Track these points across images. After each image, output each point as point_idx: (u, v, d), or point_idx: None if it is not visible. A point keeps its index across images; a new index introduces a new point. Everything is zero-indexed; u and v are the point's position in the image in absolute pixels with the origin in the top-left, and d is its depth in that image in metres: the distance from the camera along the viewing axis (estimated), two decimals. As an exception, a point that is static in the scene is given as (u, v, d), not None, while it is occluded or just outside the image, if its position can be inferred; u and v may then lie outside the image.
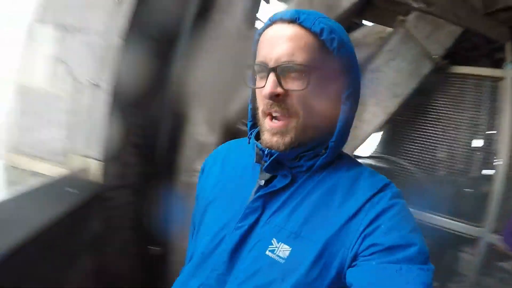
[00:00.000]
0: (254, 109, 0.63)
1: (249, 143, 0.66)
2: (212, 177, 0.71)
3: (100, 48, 1.37)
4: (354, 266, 0.49)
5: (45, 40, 1.39)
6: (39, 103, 1.38)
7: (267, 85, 0.53)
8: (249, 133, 0.67)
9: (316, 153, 0.58)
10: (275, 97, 0.53)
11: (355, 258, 0.50)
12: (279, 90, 0.53)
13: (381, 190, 0.55)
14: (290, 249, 0.52)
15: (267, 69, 0.54)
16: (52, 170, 1.34)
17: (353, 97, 0.57)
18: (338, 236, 0.51)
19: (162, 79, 1.61)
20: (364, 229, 0.51)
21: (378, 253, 0.48)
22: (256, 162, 0.61)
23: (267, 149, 0.57)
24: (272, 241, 0.54)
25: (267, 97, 0.54)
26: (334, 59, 0.54)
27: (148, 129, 1.61)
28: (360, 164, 0.62)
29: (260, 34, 0.59)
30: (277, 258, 0.53)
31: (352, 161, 0.62)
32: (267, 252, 0.54)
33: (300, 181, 0.58)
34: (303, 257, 0.51)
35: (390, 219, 0.51)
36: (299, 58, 0.52)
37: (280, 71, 0.53)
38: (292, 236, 0.53)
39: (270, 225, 0.56)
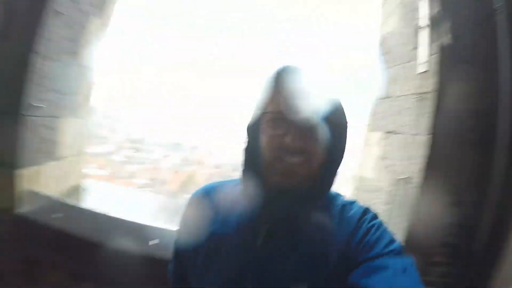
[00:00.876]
0: None
1: None
2: (206, 222, 0.70)
3: (410, 145, 1.51)
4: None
5: (374, 142, 1.79)
6: (369, 193, 1.77)
7: None
8: None
9: None
10: None
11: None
12: None
13: None
14: None
15: None
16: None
17: None
18: None
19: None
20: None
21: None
22: None
23: None
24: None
25: None
26: None
27: (464, 229, 1.41)
28: None
29: None
30: None
31: None
32: None
33: None
34: None
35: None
36: None
37: None
38: None
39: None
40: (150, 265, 1.01)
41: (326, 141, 0.60)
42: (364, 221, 0.63)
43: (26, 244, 1.28)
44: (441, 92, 1.42)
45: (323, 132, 0.59)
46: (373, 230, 0.61)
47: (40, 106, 1.27)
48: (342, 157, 0.66)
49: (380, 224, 0.63)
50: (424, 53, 1.51)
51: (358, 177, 1.89)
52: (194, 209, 0.74)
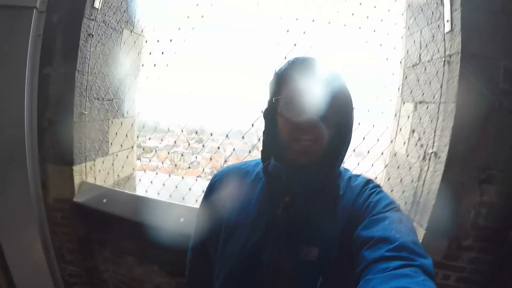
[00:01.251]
0: None
1: None
2: (228, 200, 0.77)
3: (438, 116, 1.36)
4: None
5: (405, 115, 1.65)
6: (400, 169, 1.66)
7: None
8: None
9: None
10: None
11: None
12: None
13: None
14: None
15: None
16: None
17: None
18: None
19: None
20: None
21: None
22: None
23: None
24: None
25: None
26: None
27: (502, 211, 1.24)
28: None
29: None
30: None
31: None
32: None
33: None
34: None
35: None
36: None
37: None
38: None
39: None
40: (181, 240, 1.14)
41: (334, 122, 0.66)
42: (366, 188, 0.71)
43: (80, 227, 1.62)
44: (466, 54, 1.25)
45: (332, 114, 0.65)
46: (374, 194, 0.69)
47: (84, 113, 1.57)
48: (349, 135, 0.72)
49: (381, 190, 0.71)
50: (447, 9, 1.32)
51: (390, 153, 1.78)
52: (215, 190, 0.83)
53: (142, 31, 1.93)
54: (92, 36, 1.56)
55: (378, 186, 0.72)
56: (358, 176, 0.76)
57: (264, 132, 0.74)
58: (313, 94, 0.63)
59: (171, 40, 1.56)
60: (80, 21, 1.53)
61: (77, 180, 1.58)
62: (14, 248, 1.60)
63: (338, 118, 0.67)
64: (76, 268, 1.74)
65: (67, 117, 1.53)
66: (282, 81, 0.69)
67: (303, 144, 0.65)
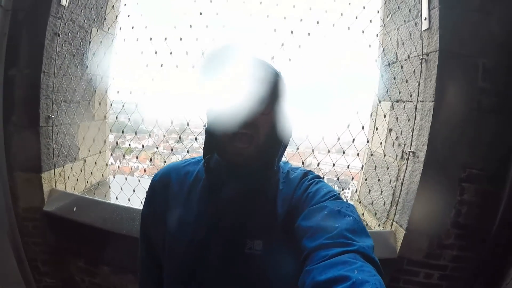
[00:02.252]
0: None
1: None
2: (170, 201, 0.77)
3: (415, 115, 1.35)
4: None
5: (382, 114, 1.63)
6: (378, 165, 1.64)
7: None
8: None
9: None
10: None
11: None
12: None
13: None
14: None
15: None
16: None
17: None
18: None
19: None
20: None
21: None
22: None
23: None
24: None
25: None
26: None
27: (482, 209, 1.23)
28: None
29: None
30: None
31: None
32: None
33: None
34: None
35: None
36: None
37: None
38: None
39: None
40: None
41: (270, 119, 0.65)
42: (305, 179, 0.72)
43: (52, 237, 1.54)
44: (444, 52, 1.23)
45: (265, 110, 0.64)
46: (313, 184, 0.70)
47: (51, 117, 1.48)
48: (286, 129, 0.71)
49: (320, 181, 0.72)
50: (425, 7, 1.30)
51: (368, 152, 1.76)
52: (157, 192, 0.81)
53: (108, 29, 1.84)
54: (59, 35, 1.47)
55: (317, 176, 0.74)
56: (296, 168, 0.77)
57: (206, 131, 0.74)
58: (240, 98, 0.61)
59: (151, 39, 1.48)
60: (46, 19, 1.44)
61: (46, 187, 1.50)
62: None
63: (274, 114, 0.66)
64: (52, 280, 1.67)
65: (33, 121, 1.45)
66: (206, 84, 0.67)
67: (237, 147, 0.65)
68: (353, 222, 0.59)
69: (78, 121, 1.67)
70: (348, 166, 1.59)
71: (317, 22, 1.32)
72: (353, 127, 1.40)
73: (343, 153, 1.47)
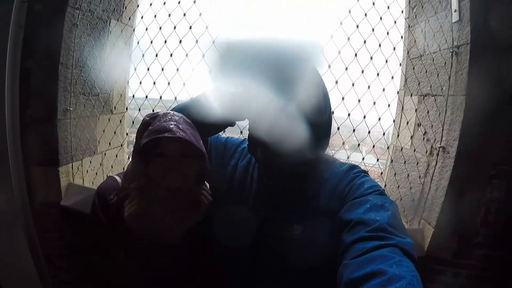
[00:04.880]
0: None
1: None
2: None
3: (446, 109, 1.31)
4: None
5: (410, 108, 1.59)
6: (407, 162, 1.60)
7: None
8: None
9: None
10: None
11: None
12: None
13: None
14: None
15: None
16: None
17: None
18: None
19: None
20: None
21: None
22: None
23: None
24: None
25: None
26: None
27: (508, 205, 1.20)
28: None
29: None
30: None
31: None
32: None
33: None
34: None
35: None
36: None
37: None
38: None
39: None
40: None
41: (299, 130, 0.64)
42: (351, 172, 0.73)
43: (69, 232, 1.51)
44: (475, 44, 1.19)
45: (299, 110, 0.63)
46: (358, 177, 0.71)
47: (70, 110, 1.45)
48: (319, 119, 0.71)
49: (365, 175, 0.73)
50: (456, -3, 1.26)
51: (395, 147, 1.72)
52: (224, 156, 0.91)
53: (129, 19, 1.80)
54: (77, 26, 1.44)
55: (363, 171, 0.74)
56: (343, 163, 0.79)
57: (248, 129, 0.77)
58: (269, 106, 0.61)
59: (175, 28, 1.42)
60: (64, 10, 1.41)
61: (63, 182, 1.46)
62: (1, 258, 1.49)
63: (308, 113, 0.65)
64: (68, 275, 1.64)
65: (50, 114, 1.41)
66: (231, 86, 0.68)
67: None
68: (394, 218, 0.58)
69: (98, 113, 1.64)
70: (378, 159, 1.56)
71: (349, 11, 1.28)
72: (383, 121, 1.37)
73: (373, 146, 1.45)
